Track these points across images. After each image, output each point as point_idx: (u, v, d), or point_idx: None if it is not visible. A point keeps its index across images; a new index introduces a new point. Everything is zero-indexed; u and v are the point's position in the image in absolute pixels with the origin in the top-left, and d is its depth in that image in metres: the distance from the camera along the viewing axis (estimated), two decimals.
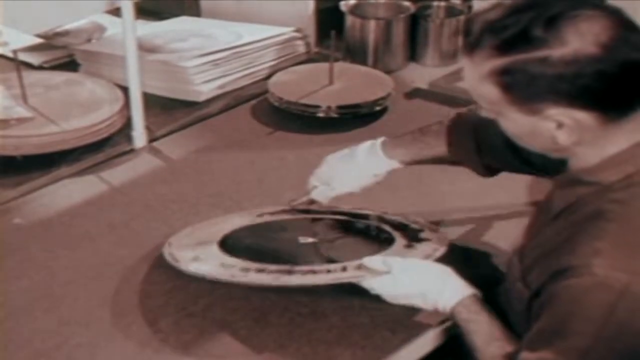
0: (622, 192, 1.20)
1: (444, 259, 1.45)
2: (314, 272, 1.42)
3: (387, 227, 1.60)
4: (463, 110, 1.61)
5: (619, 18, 1.16)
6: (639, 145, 1.21)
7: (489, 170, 1.56)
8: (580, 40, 1.13)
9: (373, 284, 1.40)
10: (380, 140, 1.58)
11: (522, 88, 1.17)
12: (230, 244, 1.54)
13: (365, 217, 1.65)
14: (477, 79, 1.21)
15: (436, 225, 1.63)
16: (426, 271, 1.41)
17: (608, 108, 1.17)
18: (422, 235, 1.56)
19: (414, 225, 1.61)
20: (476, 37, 1.20)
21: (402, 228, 1.59)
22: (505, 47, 1.17)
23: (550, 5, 1.16)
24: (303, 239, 1.57)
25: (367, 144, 1.58)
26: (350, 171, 1.58)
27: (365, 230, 1.61)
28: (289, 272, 1.42)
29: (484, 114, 1.27)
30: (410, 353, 1.42)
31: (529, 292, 1.27)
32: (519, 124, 1.23)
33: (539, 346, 1.21)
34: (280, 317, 1.46)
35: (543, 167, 1.44)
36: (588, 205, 1.23)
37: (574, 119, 1.17)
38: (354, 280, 1.41)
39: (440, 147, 1.55)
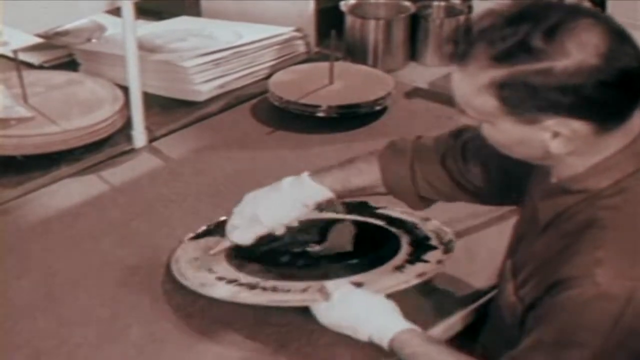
0: (613, 199, 1.19)
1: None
2: (279, 290, 1.44)
3: (394, 231, 1.58)
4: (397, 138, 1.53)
5: (611, 26, 1.15)
6: (624, 151, 1.19)
7: (423, 201, 1.52)
8: (582, 51, 1.12)
9: (314, 310, 1.41)
10: (305, 173, 1.50)
11: (522, 99, 1.15)
12: (241, 253, 1.54)
13: (383, 218, 1.63)
14: (472, 89, 1.18)
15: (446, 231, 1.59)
16: (366, 305, 1.38)
17: (605, 118, 1.16)
18: (425, 256, 1.52)
19: (427, 233, 1.58)
20: (470, 46, 1.17)
21: (411, 231, 1.58)
22: (504, 58, 1.14)
23: (546, 15, 1.14)
24: (311, 248, 1.57)
25: (291, 177, 1.50)
26: (277, 203, 1.48)
27: (372, 238, 1.58)
28: (274, 290, 1.44)
29: (465, 120, 1.24)
30: None
31: (523, 305, 1.26)
32: (509, 134, 1.20)
33: (537, 357, 1.20)
34: (280, 317, 1.46)
35: (482, 193, 1.45)
36: (579, 213, 1.21)
37: (571, 129, 1.16)
38: (300, 304, 1.42)
39: (371, 174, 1.49)
